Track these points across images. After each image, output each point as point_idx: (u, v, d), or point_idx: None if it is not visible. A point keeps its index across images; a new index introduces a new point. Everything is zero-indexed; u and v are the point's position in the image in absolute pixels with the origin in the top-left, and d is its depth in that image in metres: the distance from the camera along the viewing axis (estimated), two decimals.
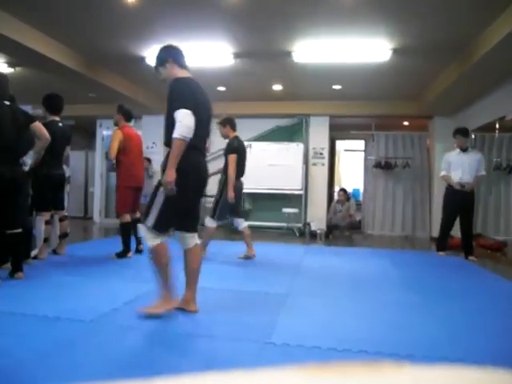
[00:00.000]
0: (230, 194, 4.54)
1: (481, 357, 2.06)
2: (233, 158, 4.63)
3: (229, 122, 4.84)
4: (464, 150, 5.44)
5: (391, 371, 0.29)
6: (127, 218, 4.70)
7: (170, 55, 2.71)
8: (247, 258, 4.87)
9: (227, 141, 4.81)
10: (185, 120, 2.43)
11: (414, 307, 3.03)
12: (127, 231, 4.71)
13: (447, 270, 4.74)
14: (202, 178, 2.71)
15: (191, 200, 2.70)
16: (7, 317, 2.48)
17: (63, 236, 4.67)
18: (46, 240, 4.36)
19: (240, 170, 4.76)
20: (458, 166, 5.40)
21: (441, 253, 5.65)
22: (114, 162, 4.69)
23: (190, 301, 2.70)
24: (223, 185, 4.70)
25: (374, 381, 0.29)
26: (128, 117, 4.81)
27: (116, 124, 4.78)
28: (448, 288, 3.73)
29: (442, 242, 5.71)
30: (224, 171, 4.77)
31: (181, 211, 2.61)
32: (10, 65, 6.31)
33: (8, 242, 3.43)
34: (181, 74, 2.67)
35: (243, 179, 4.90)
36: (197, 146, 2.58)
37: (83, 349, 2.08)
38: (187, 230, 2.72)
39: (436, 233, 7.79)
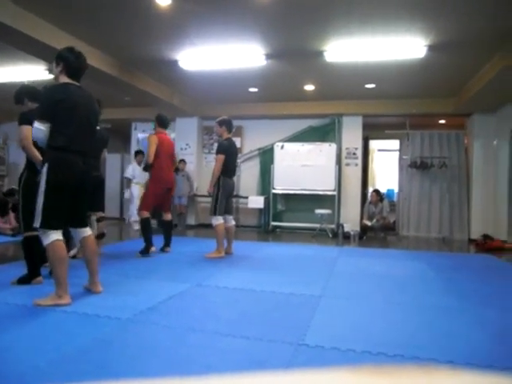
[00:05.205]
0: (209, 188, 4.94)
1: None
2: (220, 158, 4.88)
3: (225, 124, 5.06)
4: None
5: (447, 377, 0.28)
6: (146, 214, 4.95)
7: (61, 60, 2.95)
8: (216, 257, 4.90)
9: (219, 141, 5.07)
10: (33, 132, 2.77)
11: (451, 311, 2.93)
12: (147, 226, 4.95)
13: (486, 272, 4.57)
14: (73, 177, 2.81)
15: (65, 197, 2.81)
16: (50, 313, 2.58)
17: (100, 236, 4.80)
18: None
19: (231, 169, 5.01)
20: None
21: None
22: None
23: (93, 283, 3.08)
24: (215, 183, 4.93)
25: None
26: (161, 124, 5.14)
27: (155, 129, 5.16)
28: (487, 292, 3.60)
29: None
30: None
31: (61, 208, 2.79)
32: (51, 71, 6.56)
33: None
34: (63, 80, 2.93)
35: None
36: (67, 147, 2.77)
37: (120, 346, 2.13)
38: (76, 226, 3.01)
39: (475, 234, 7.54)
